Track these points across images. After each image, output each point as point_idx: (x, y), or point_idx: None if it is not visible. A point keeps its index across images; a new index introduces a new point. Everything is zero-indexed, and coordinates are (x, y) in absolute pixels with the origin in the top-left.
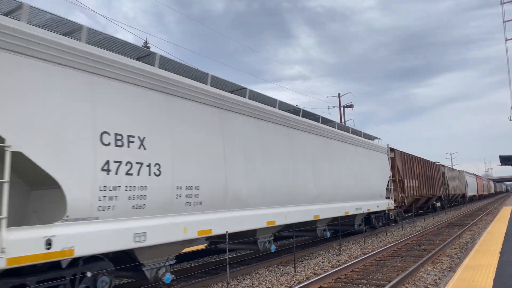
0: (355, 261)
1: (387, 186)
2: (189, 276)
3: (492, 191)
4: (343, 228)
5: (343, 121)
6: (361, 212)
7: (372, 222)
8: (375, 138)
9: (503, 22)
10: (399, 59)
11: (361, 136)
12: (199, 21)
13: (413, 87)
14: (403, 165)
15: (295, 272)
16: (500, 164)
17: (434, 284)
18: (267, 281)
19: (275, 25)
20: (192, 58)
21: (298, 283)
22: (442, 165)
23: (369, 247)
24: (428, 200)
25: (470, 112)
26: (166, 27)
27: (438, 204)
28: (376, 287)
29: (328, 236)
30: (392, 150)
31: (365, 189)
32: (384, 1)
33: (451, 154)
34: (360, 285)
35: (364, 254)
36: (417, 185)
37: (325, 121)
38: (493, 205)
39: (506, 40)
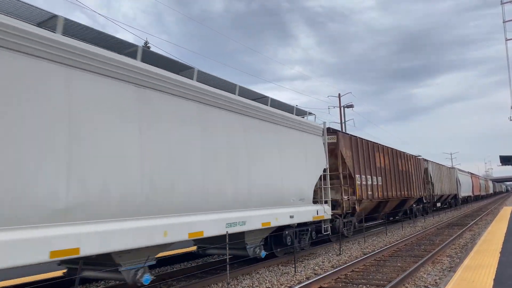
0: (355, 261)
1: (323, 184)
2: (189, 276)
3: (491, 191)
4: (229, 253)
5: (343, 121)
6: (245, 229)
7: (287, 241)
8: (302, 111)
9: (503, 22)
10: (399, 59)
11: (267, 105)
12: (199, 21)
13: (413, 87)
14: (354, 154)
15: (295, 272)
16: (501, 164)
17: (434, 284)
18: (267, 281)
19: (275, 25)
20: (192, 58)
21: (298, 283)
22: (425, 160)
23: (369, 247)
24: (402, 203)
25: (470, 112)
26: (166, 27)
27: (438, 205)
28: (376, 287)
29: (147, 283)
30: (333, 132)
31: (260, 190)
32: (384, 1)
33: (451, 154)
34: (360, 285)
35: (364, 254)
36: (381, 183)
37: (174, 67)
38: (493, 205)
39: (506, 40)
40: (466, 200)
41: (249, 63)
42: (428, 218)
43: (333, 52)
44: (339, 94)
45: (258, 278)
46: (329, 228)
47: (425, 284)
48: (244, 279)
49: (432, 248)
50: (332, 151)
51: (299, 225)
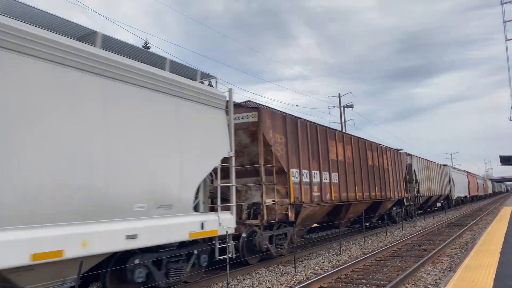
0: (355, 261)
1: (218, 182)
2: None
3: (490, 191)
4: None
5: (343, 121)
6: None
7: (134, 277)
8: (189, 69)
9: (503, 22)
10: (399, 59)
11: (95, 46)
12: (199, 21)
13: (413, 87)
14: (290, 141)
15: (295, 272)
16: (501, 164)
17: (434, 284)
18: (267, 281)
19: (274, 25)
20: (193, 58)
21: (298, 283)
22: (408, 154)
23: (369, 247)
24: (375, 206)
25: (470, 112)
26: (166, 27)
27: (439, 204)
28: (377, 287)
29: None
30: (254, 108)
31: (30, 189)
32: (384, 1)
33: (451, 154)
34: (361, 285)
35: (364, 254)
36: (336, 181)
37: None
38: (493, 205)
39: (506, 40)
40: (462, 201)
41: (249, 63)
42: (428, 218)
43: (333, 52)
44: (339, 94)
45: (258, 278)
46: (233, 247)
47: (425, 284)
48: (244, 279)
49: (432, 248)
50: (253, 135)
51: (181, 245)
